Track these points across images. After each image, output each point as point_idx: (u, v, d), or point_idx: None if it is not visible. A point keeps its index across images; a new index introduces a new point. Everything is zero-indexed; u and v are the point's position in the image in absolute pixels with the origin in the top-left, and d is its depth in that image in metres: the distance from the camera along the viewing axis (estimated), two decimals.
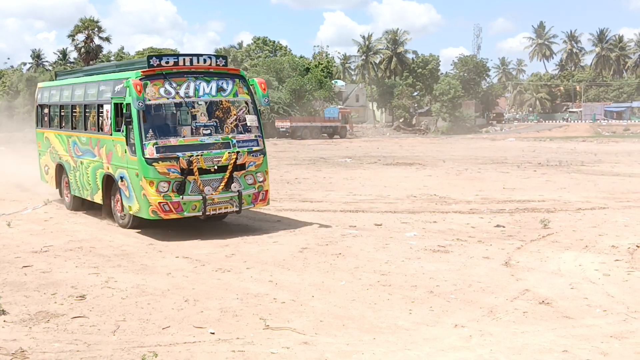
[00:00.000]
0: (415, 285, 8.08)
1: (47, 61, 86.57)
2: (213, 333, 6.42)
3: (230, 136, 11.61)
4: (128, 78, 11.01)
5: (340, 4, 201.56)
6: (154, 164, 10.86)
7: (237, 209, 11.66)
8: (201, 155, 11.09)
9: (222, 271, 8.98)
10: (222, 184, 11.34)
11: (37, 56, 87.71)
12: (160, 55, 11.69)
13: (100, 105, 12.56)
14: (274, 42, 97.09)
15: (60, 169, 14.99)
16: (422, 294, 7.71)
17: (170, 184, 10.95)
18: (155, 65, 11.41)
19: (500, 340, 6.12)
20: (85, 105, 13.45)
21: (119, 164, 11.76)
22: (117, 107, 11.67)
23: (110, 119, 11.90)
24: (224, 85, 11.75)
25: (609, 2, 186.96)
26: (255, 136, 11.91)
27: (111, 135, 11.96)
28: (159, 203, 10.92)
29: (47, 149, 15.73)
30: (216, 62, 11.95)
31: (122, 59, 79.28)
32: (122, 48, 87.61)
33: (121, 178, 11.73)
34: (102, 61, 76.09)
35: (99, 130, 12.68)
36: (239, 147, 11.51)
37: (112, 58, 79.35)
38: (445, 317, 6.87)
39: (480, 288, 7.91)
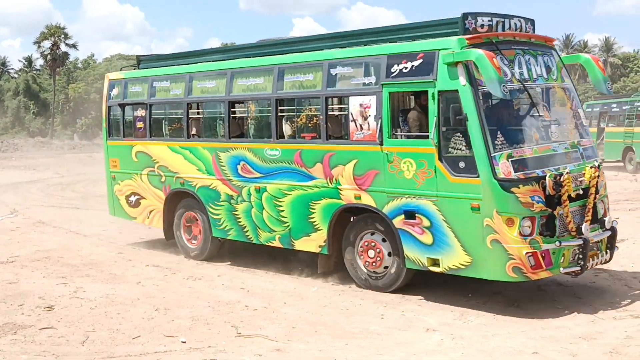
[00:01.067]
0: None
1: (12, 68, 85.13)
2: (184, 342, 6.36)
3: (575, 141, 7.85)
4: (439, 49, 7.15)
5: (310, 9, 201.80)
6: (513, 189, 6.84)
7: (608, 257, 7.67)
8: (568, 172, 7.11)
9: (193, 279, 8.91)
10: (589, 216, 7.41)
11: (2, 64, 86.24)
12: (473, 13, 7.41)
13: (336, 99, 8.61)
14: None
15: (177, 199, 10.39)
16: (393, 299, 7.73)
17: (536, 221, 6.94)
18: (470, 29, 7.29)
19: (471, 343, 6.16)
20: (279, 101, 8.75)
21: (406, 191, 7.48)
22: (395, 99, 7.74)
23: (381, 118, 7.60)
24: (550, 64, 7.88)
25: (574, 8, 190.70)
26: (591, 141, 8.29)
27: (381, 144, 7.64)
28: (526, 254, 6.82)
29: (139, 169, 10.78)
30: (525, 27, 7.93)
31: (89, 65, 78.44)
32: (92, 55, 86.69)
33: (409, 213, 7.50)
34: (69, 68, 75.22)
35: (326, 138, 8.27)
36: (586, 159, 7.75)
37: (79, 65, 78.41)
38: (417, 321, 6.89)
39: (451, 292, 7.96)
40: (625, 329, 6.44)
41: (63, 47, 69.40)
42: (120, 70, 11.97)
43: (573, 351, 5.88)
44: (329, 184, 8.25)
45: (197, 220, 10.10)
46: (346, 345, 6.21)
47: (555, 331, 6.46)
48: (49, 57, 69.30)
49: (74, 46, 70.08)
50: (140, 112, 10.81)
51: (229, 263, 9.85)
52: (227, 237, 9.69)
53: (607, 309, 7.10)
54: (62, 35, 68.64)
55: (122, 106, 11.14)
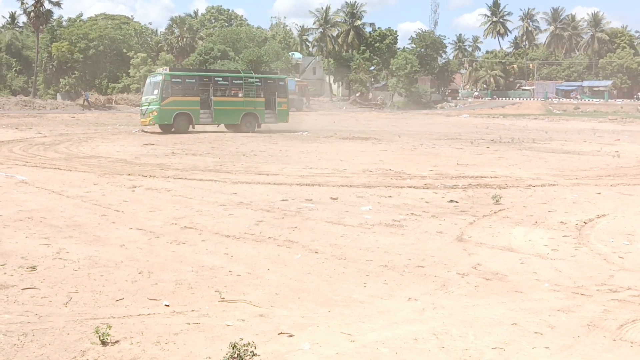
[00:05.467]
0: (370, 259, 8.16)
1: None
2: (168, 305, 6.38)
3: None
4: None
5: None
6: None
7: None
8: None
9: (177, 243, 8.91)
10: None
11: None
12: None
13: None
14: (229, 11, 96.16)
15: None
16: (376, 268, 7.79)
17: None
18: None
19: (452, 313, 6.24)
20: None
21: None
22: None
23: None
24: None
25: None
26: None
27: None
28: None
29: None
30: None
31: (74, 24, 77.05)
32: (81, 14, 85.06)
33: None
34: (53, 26, 73.87)
35: None
36: None
37: (63, 23, 77.05)
38: (399, 290, 6.97)
39: (433, 262, 8.04)
40: (603, 303, 6.55)
41: (47, 5, 68.11)
42: None
43: (551, 323, 5.98)
44: None
45: None
46: (329, 312, 6.27)
47: (535, 303, 6.55)
48: (32, 14, 68.00)
49: (57, 4, 68.81)
50: None
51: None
52: None
53: (586, 283, 7.22)
54: None
55: None
